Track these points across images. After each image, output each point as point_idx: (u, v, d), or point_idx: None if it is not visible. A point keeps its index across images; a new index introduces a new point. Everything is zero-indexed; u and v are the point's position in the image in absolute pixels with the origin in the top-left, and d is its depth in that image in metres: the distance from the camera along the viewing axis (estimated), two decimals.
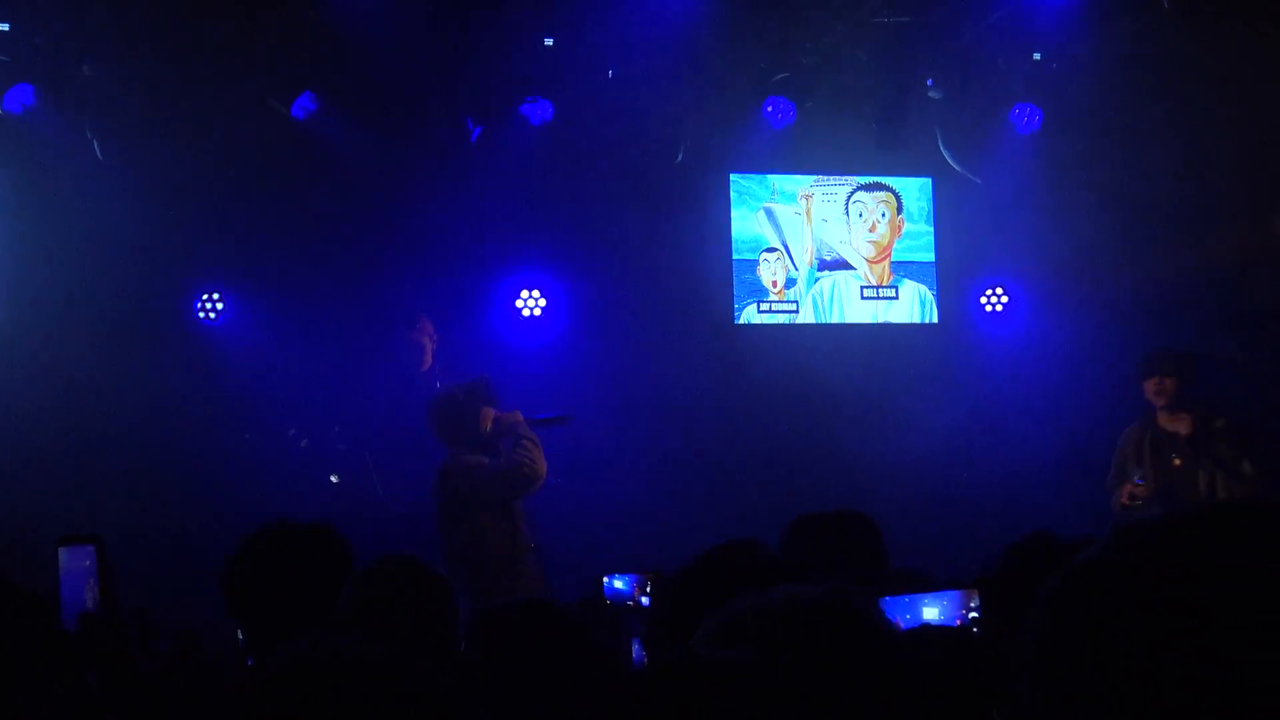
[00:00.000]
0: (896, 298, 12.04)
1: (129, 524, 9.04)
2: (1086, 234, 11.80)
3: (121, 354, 10.16)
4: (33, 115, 10.00)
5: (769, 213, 11.84)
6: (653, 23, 10.33)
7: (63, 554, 3.73)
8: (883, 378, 11.62)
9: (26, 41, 9.94)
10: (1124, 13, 10.61)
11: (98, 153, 10.18)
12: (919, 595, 4.14)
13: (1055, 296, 11.96)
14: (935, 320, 12.11)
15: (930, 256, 12.13)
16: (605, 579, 5.24)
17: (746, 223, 11.79)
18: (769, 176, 11.87)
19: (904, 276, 12.07)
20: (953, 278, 12.15)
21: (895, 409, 11.34)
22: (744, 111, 11.31)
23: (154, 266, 10.51)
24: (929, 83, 11.30)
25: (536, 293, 11.23)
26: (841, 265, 11.96)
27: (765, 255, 11.81)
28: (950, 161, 11.70)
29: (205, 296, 10.81)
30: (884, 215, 12.04)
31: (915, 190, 12.13)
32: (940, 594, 4.14)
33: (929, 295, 12.09)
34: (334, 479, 9.77)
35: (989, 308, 12.20)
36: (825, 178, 11.95)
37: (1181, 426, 9.58)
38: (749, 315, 11.73)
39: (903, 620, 4.01)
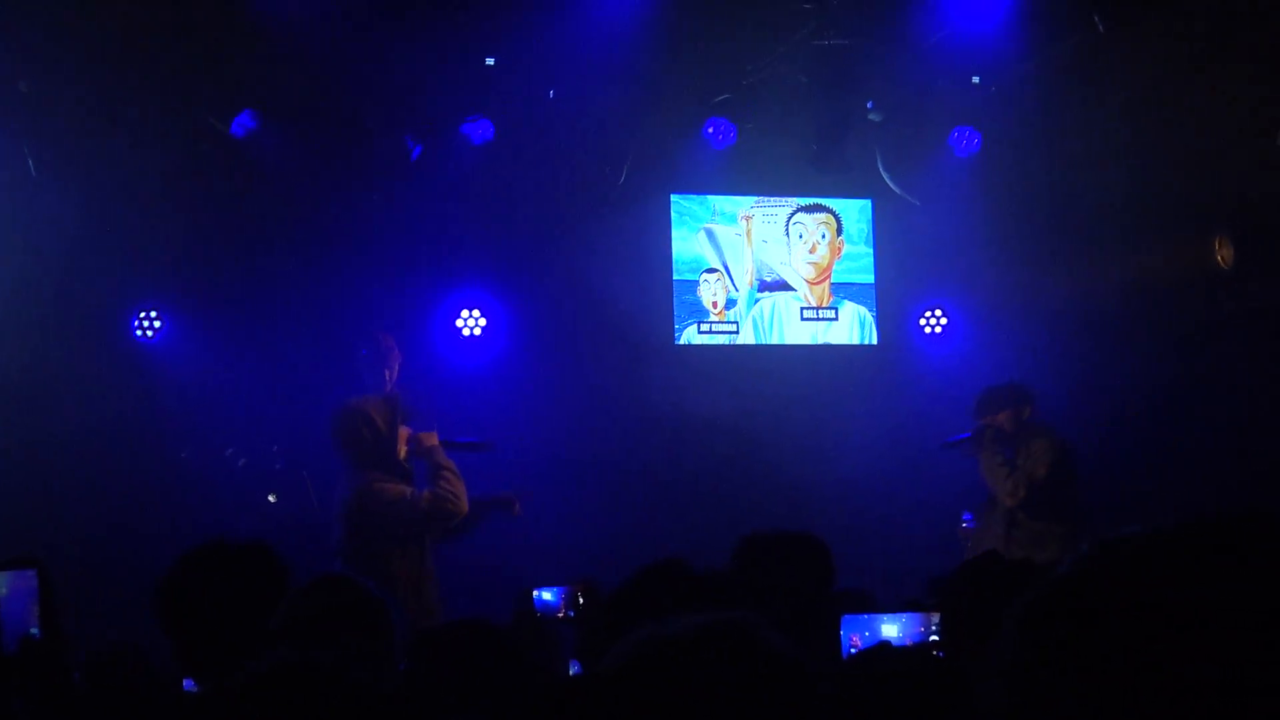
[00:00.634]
0: (836, 319, 12.07)
1: (64, 543, 8.96)
2: (1025, 255, 11.89)
3: (58, 372, 10.08)
4: None
5: (709, 233, 11.86)
6: (594, 43, 10.33)
7: (3, 578, 3.68)
8: (822, 398, 11.65)
9: None
10: (1061, 36, 10.69)
11: (31, 170, 10.09)
12: (877, 615, 4.17)
13: (994, 318, 12.02)
14: (875, 341, 12.15)
15: (870, 278, 12.18)
16: (535, 592, 5.23)
17: (687, 243, 11.81)
18: (709, 197, 11.89)
19: (844, 298, 12.11)
20: (892, 299, 12.20)
21: (835, 429, 11.38)
22: (685, 132, 11.34)
23: (91, 284, 10.43)
24: (869, 105, 11.35)
25: (477, 312, 11.20)
26: (782, 286, 11.98)
27: (705, 276, 11.82)
28: (890, 183, 11.75)
29: (143, 314, 10.73)
30: (824, 236, 12.08)
31: (855, 212, 12.18)
32: (899, 614, 4.17)
33: (869, 317, 12.14)
34: (272, 498, 9.71)
35: (928, 329, 12.25)
36: (766, 199, 11.98)
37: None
38: (689, 336, 11.74)
39: (861, 638, 4.02)
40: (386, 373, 9.51)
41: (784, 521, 5.25)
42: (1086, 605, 1.35)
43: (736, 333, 11.86)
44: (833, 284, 12.09)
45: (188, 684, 4.20)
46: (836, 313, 12.07)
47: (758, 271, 11.94)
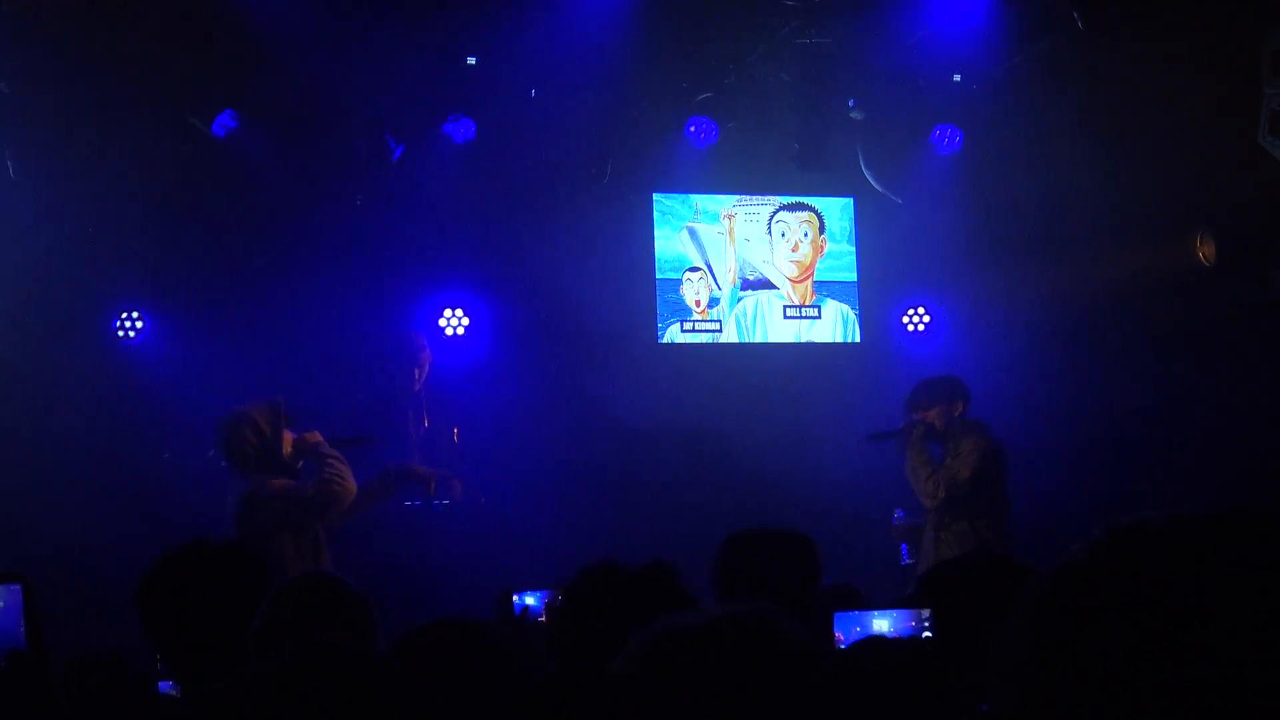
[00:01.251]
0: (819, 317, 12.09)
1: (44, 543, 8.95)
2: (1007, 253, 11.91)
3: (39, 372, 10.07)
4: None
5: (692, 232, 11.87)
6: (576, 42, 10.33)
7: None
8: (806, 396, 11.65)
9: None
10: (1041, 34, 10.71)
11: (10, 171, 10.07)
12: (868, 611, 4.17)
13: (976, 315, 12.04)
14: (858, 339, 12.16)
15: (852, 276, 12.19)
16: (515, 596, 5.18)
17: (670, 242, 11.81)
18: (692, 196, 11.90)
19: (826, 296, 12.12)
20: (875, 297, 12.21)
21: (818, 427, 11.38)
22: (667, 131, 11.35)
23: (72, 285, 10.42)
24: (850, 103, 11.36)
25: (460, 311, 11.19)
26: (764, 285, 11.99)
27: (688, 274, 11.83)
28: (872, 182, 11.76)
29: (124, 315, 10.72)
30: (806, 235, 12.09)
31: (837, 210, 12.19)
32: (889, 610, 4.16)
33: (851, 315, 12.15)
34: None
35: (911, 327, 12.26)
36: (748, 197, 11.99)
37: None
38: (673, 334, 11.75)
39: (852, 634, 4.03)
40: (416, 372, 9.55)
41: (768, 519, 5.25)
42: (1102, 596, 1.33)
43: (720, 331, 11.86)
44: (815, 282, 12.10)
45: (164, 686, 4.19)
46: (819, 311, 12.08)
47: (740, 270, 11.94)
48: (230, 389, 10.27)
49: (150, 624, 3.89)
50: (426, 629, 3.99)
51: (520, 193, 11.17)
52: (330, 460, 7.83)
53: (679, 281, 11.81)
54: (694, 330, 11.82)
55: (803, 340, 12.04)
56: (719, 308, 11.87)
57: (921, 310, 12.25)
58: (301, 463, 7.94)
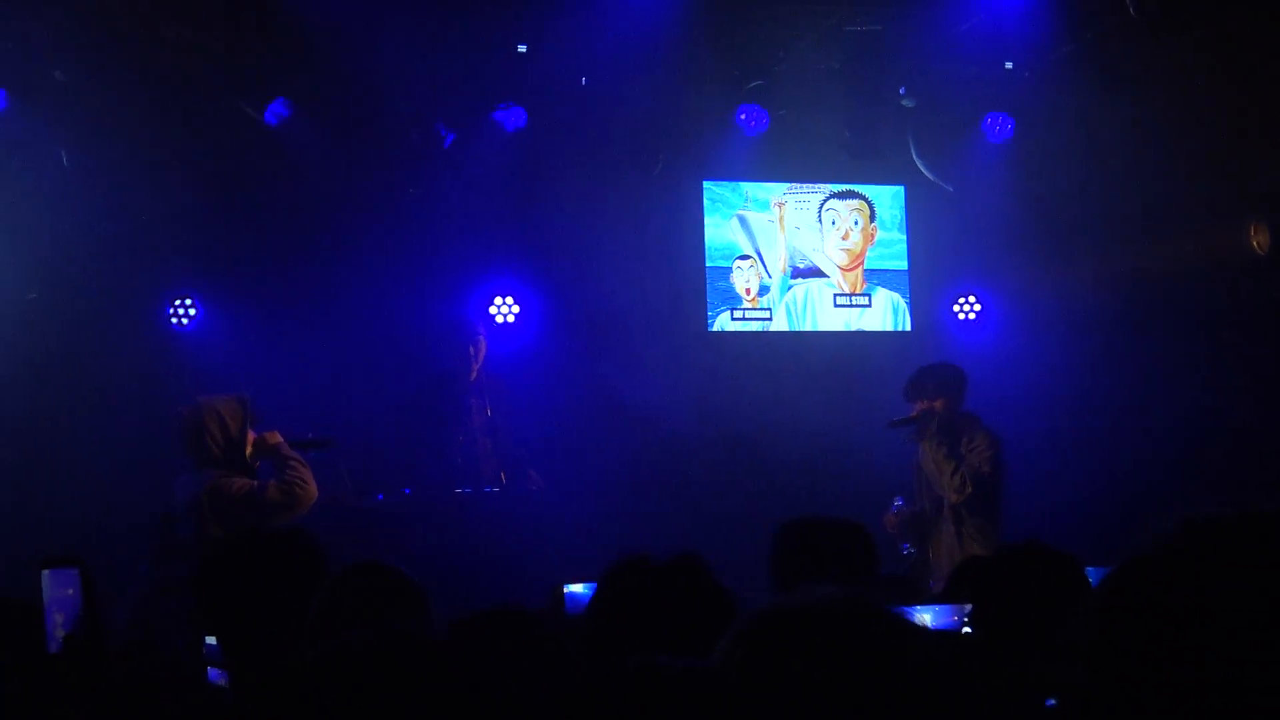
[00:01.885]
0: (869, 306, 12.05)
1: (99, 529, 9.02)
2: (1059, 242, 11.85)
3: (92, 360, 10.14)
4: (3, 119, 9.97)
5: (742, 220, 11.85)
6: (626, 30, 10.33)
7: (46, 576, 3.68)
8: (856, 385, 11.61)
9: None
10: (1094, 21, 10.65)
11: (64, 160, 10.14)
12: (911, 606, 4.15)
13: (1028, 304, 11.98)
14: (908, 328, 12.12)
15: (903, 264, 12.15)
16: (565, 588, 5.12)
17: (720, 230, 11.80)
18: (742, 184, 11.88)
19: (877, 284, 12.08)
20: (925, 286, 12.17)
21: (868, 416, 11.31)
22: (717, 119, 11.34)
23: (125, 272, 10.49)
24: (901, 91, 11.34)
25: (510, 299, 11.21)
26: (815, 273, 11.97)
27: (739, 263, 11.82)
28: (923, 169, 11.72)
29: (177, 302, 10.78)
30: (857, 223, 12.06)
31: (888, 198, 12.15)
32: (931, 605, 4.15)
33: (902, 303, 12.11)
34: None
35: (962, 316, 12.21)
36: (798, 185, 11.97)
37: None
38: (723, 322, 11.74)
39: None
40: (472, 355, 9.58)
41: (817, 507, 5.25)
42: (1174, 586, 1.33)
43: (770, 319, 11.85)
44: (866, 270, 12.07)
45: (213, 675, 4.22)
46: (870, 299, 12.05)
47: (791, 258, 11.92)
48: (282, 376, 10.34)
49: (207, 611, 3.92)
50: (477, 617, 4.01)
51: (571, 180, 11.18)
52: (292, 463, 7.73)
53: (729, 270, 11.80)
54: (744, 318, 11.81)
55: (853, 329, 12.01)
56: (769, 296, 11.86)
57: (972, 299, 12.20)
58: (259, 463, 7.87)
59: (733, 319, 11.77)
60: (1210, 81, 10.78)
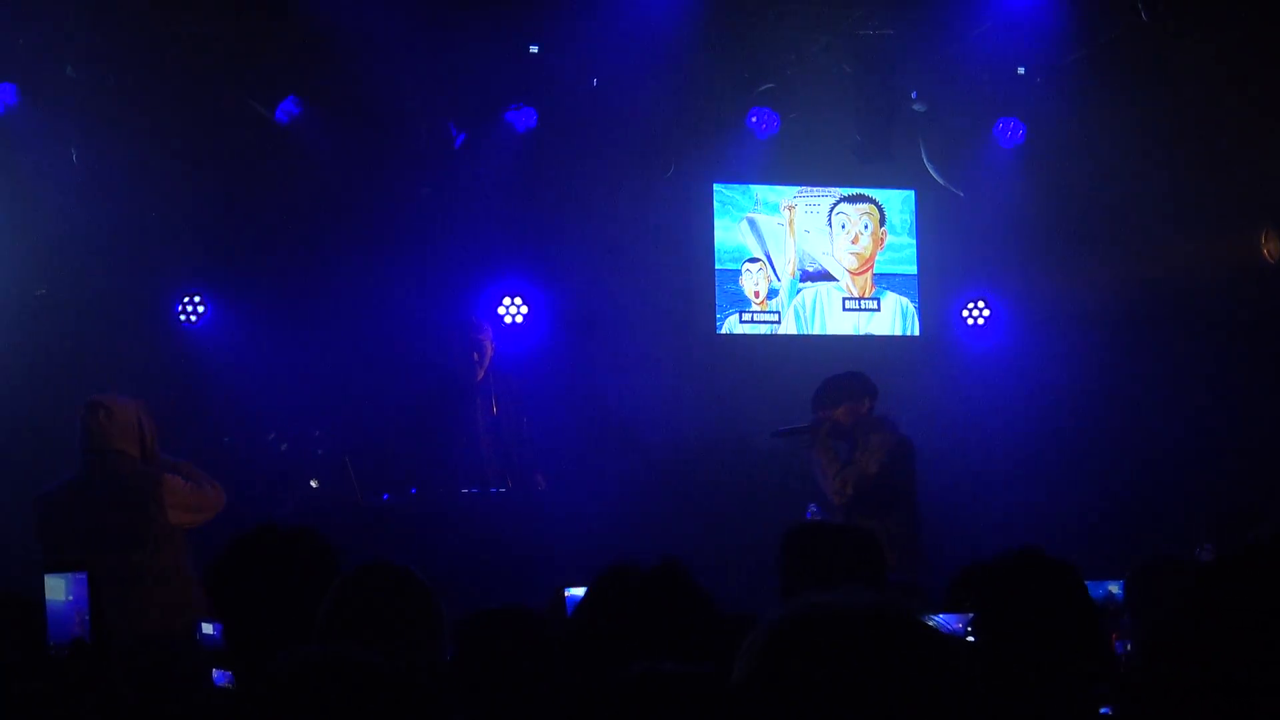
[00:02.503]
0: (878, 310, 12.05)
1: None
2: (1069, 248, 11.84)
3: (100, 356, 10.13)
4: (14, 115, 9.97)
5: (752, 223, 11.85)
6: (638, 32, 10.33)
7: (50, 581, 3.67)
8: None
9: (10, 42, 9.91)
10: (1106, 26, 10.64)
11: (74, 158, 10.15)
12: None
13: (1037, 310, 11.96)
14: (917, 333, 12.11)
15: (913, 269, 12.14)
16: (567, 591, 5.03)
17: (729, 233, 11.80)
18: (752, 187, 11.87)
19: (886, 289, 12.07)
20: (935, 290, 12.16)
21: None
22: (728, 121, 11.33)
23: (134, 269, 10.49)
24: (913, 95, 11.34)
25: (519, 299, 11.21)
26: (824, 276, 11.96)
27: (748, 265, 11.81)
28: (934, 174, 11.72)
29: (186, 299, 10.78)
30: (867, 227, 12.05)
31: (898, 202, 12.14)
32: (933, 615, 4.11)
33: (911, 308, 12.10)
34: (314, 484, 9.72)
35: (971, 321, 12.20)
36: (808, 189, 11.96)
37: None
38: (731, 325, 11.73)
39: None
40: (475, 357, 9.58)
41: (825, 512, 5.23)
42: (1249, 595, 1.33)
43: (778, 322, 11.84)
44: (875, 274, 12.05)
45: (218, 677, 4.22)
46: (879, 303, 12.04)
47: (800, 261, 11.92)
48: (290, 373, 10.36)
49: (220, 607, 3.92)
50: (480, 617, 4.01)
51: (581, 182, 11.19)
52: (198, 471, 7.69)
53: (738, 272, 11.79)
54: (752, 321, 11.80)
55: (861, 333, 12.00)
56: (778, 299, 11.85)
57: (982, 304, 12.19)
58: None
59: (741, 322, 11.76)
60: (1223, 87, 10.76)
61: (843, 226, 12.00)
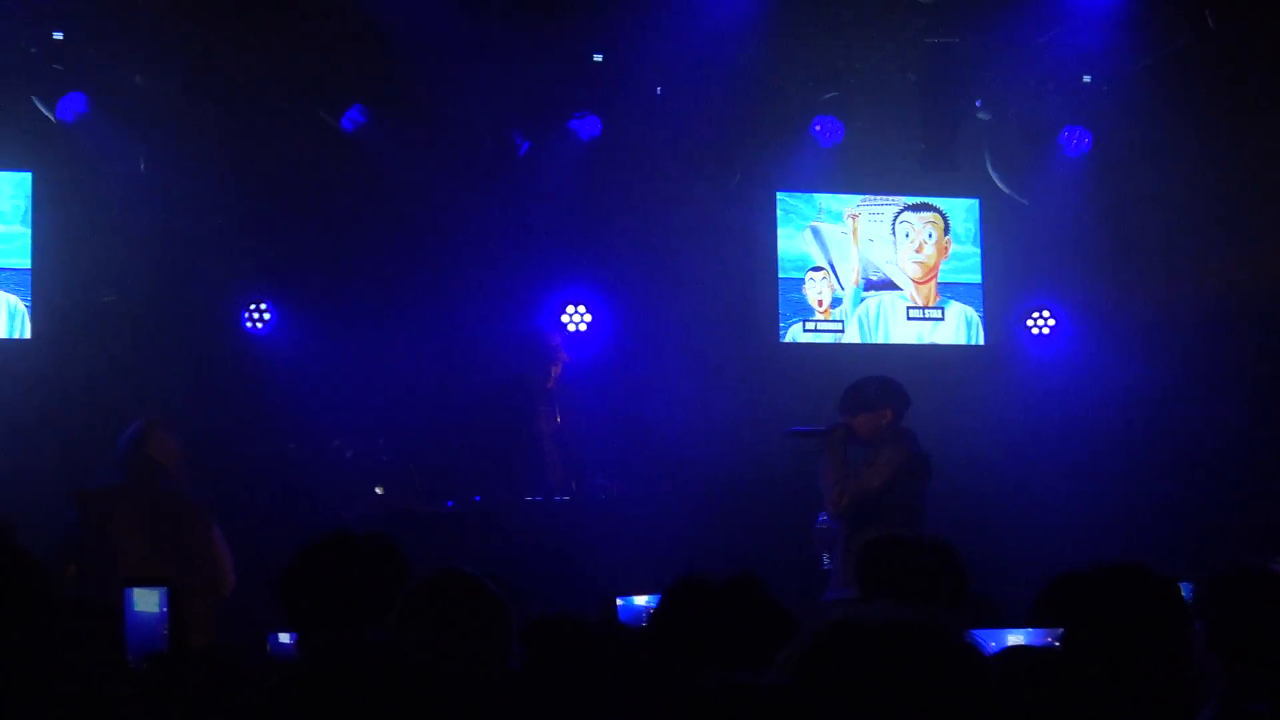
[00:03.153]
0: (943, 319, 11.99)
1: None
2: (1134, 257, 11.76)
3: (168, 363, 10.22)
4: (84, 124, 10.08)
5: (815, 231, 11.82)
6: (702, 40, 10.36)
7: (130, 595, 3.70)
8: (928, 399, 11.49)
9: (80, 51, 10.02)
10: (1173, 35, 10.58)
11: (141, 166, 10.25)
12: (1004, 629, 4.06)
13: (1102, 319, 11.88)
14: (981, 342, 12.04)
15: (977, 278, 12.07)
16: (626, 599, 4.97)
17: (793, 241, 11.78)
18: (816, 195, 11.85)
19: (950, 298, 12.02)
20: (999, 300, 12.09)
21: (941, 430, 11.24)
22: (792, 130, 11.32)
23: (201, 276, 10.56)
24: (978, 104, 11.30)
25: (582, 308, 11.22)
26: (887, 285, 11.92)
27: (811, 274, 11.78)
28: (998, 183, 11.66)
29: (252, 306, 10.84)
30: (931, 236, 12.00)
31: (963, 211, 12.08)
32: (1022, 629, 4.06)
33: (975, 317, 12.03)
34: (378, 490, 9.77)
35: (1035, 330, 12.11)
36: (872, 197, 11.92)
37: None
38: (794, 334, 11.71)
39: (988, 648, 3.95)
40: (551, 369, 9.65)
41: None
42: None
43: (842, 331, 11.81)
44: (939, 284, 12.00)
45: None
46: (943, 313, 11.98)
47: (864, 270, 11.88)
48: (354, 381, 10.42)
49: (292, 611, 3.94)
50: (539, 624, 4.02)
51: (644, 190, 11.19)
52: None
53: (801, 281, 11.76)
54: (816, 330, 11.77)
55: (925, 342, 11.95)
56: (841, 308, 11.82)
57: (1046, 313, 12.10)
58: None
59: (804, 330, 11.74)
60: None
61: (906, 235, 11.96)
